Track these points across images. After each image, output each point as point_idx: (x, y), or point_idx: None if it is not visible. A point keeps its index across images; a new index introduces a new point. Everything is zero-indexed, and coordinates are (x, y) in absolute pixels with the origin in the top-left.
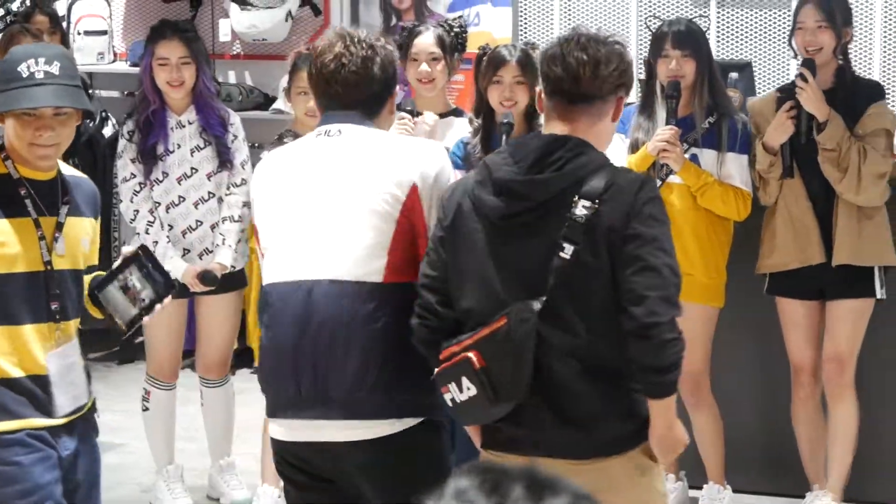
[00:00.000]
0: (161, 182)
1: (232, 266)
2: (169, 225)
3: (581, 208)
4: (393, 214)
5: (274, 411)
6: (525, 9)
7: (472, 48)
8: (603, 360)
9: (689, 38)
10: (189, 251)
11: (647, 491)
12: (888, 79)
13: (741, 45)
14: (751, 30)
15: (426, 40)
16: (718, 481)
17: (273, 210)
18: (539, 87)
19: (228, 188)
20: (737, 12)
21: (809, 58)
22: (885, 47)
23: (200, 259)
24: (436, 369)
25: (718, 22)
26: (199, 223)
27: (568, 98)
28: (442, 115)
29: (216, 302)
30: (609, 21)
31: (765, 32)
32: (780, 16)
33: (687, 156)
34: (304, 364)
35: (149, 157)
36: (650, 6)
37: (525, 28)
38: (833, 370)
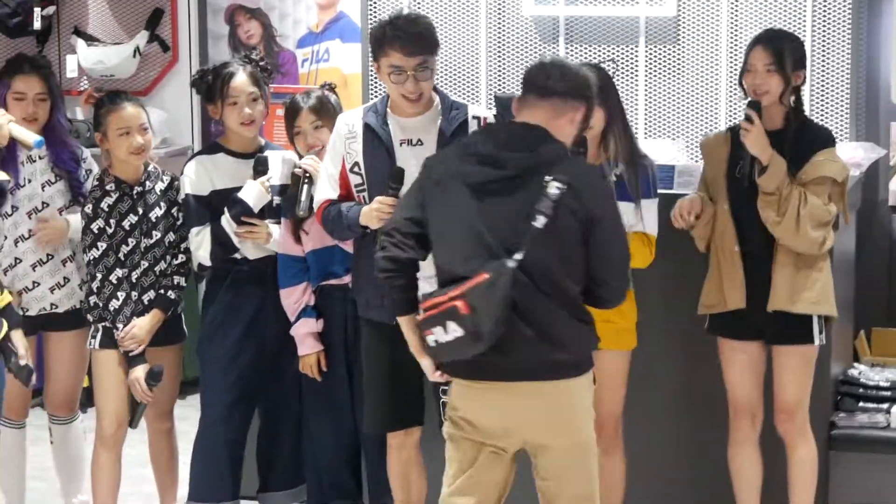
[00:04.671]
0: (10, 215)
1: (81, 301)
2: (18, 258)
3: (554, 188)
4: None
5: None
6: None
7: None
8: (562, 309)
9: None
10: (39, 284)
11: (589, 406)
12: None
13: None
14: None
15: (242, 80)
16: None
17: None
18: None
19: None
20: (586, 47)
21: (756, 99)
22: (812, 102)
23: (52, 293)
24: (420, 316)
25: (567, 56)
26: (49, 257)
27: (539, 93)
28: (258, 152)
29: (63, 339)
30: (459, 55)
31: (615, 67)
32: (628, 51)
33: None
34: None
35: None
36: (499, 43)
37: None
38: (783, 419)
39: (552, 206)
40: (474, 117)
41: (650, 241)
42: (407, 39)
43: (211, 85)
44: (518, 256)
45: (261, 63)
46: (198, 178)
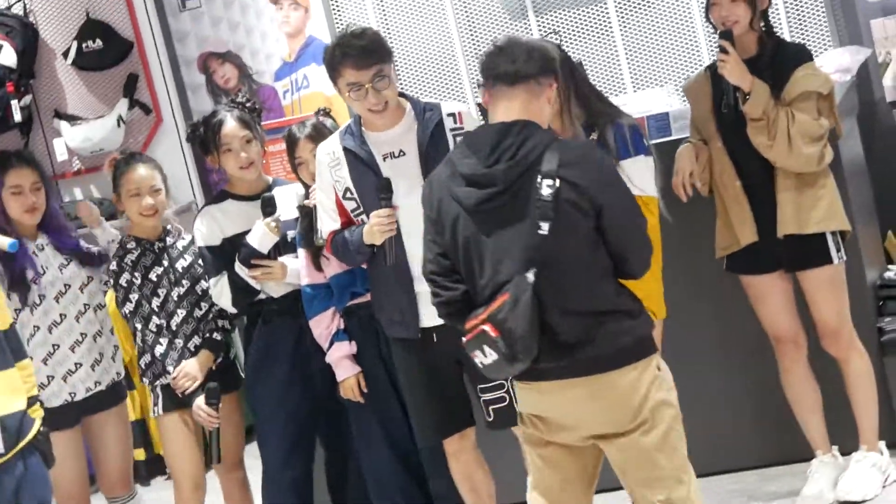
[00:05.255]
0: (39, 304)
1: (117, 373)
2: (55, 344)
3: (546, 188)
4: None
5: None
6: None
7: (308, 110)
8: (591, 305)
9: None
10: (81, 364)
11: (654, 388)
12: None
13: (568, 46)
14: (574, 29)
15: (232, 126)
16: None
17: None
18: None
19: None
20: (555, 15)
21: (727, 30)
22: (789, 15)
23: (94, 370)
24: (463, 339)
25: (540, 28)
26: (83, 336)
27: (509, 80)
28: (266, 191)
29: (107, 417)
30: (433, 50)
31: (587, 29)
32: (598, 10)
33: None
34: None
35: (20, 284)
36: (468, 24)
37: None
38: (828, 342)
39: (551, 208)
40: (449, 114)
41: (644, 202)
42: (356, 55)
43: (204, 136)
44: (534, 270)
45: (247, 104)
46: (208, 230)
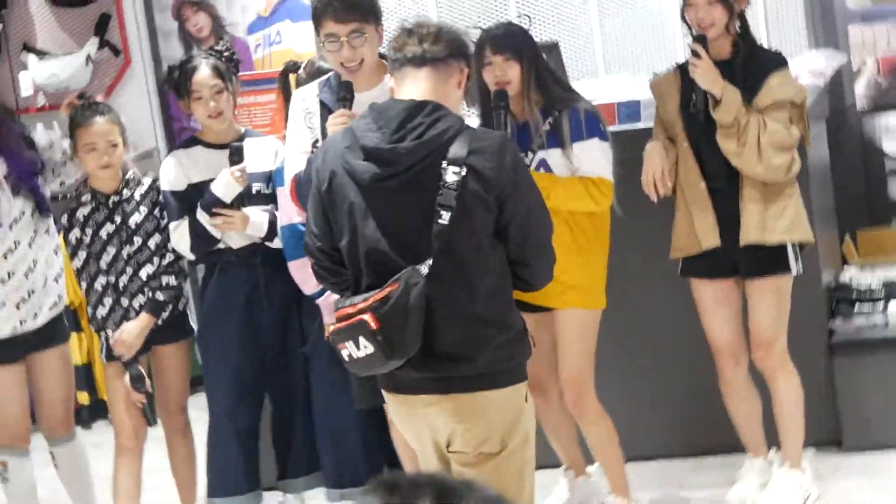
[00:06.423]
0: None
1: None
2: (9, 272)
3: (451, 175)
4: None
5: None
6: None
7: (278, 66)
8: (480, 312)
9: (508, 39)
10: (34, 292)
11: (524, 419)
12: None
13: (546, 26)
14: (553, 10)
15: (205, 74)
16: (621, 493)
17: None
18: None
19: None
20: None
21: (701, 33)
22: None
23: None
24: (332, 327)
25: (519, 6)
26: (35, 263)
27: (417, 62)
28: (237, 141)
29: (43, 358)
30: (410, 16)
31: (567, 11)
32: None
33: (535, 161)
34: None
35: None
36: (451, 7)
37: None
38: (761, 355)
39: (454, 196)
40: None
41: (594, 182)
42: (339, 7)
43: (178, 81)
44: (429, 262)
45: (225, 54)
46: (174, 174)
